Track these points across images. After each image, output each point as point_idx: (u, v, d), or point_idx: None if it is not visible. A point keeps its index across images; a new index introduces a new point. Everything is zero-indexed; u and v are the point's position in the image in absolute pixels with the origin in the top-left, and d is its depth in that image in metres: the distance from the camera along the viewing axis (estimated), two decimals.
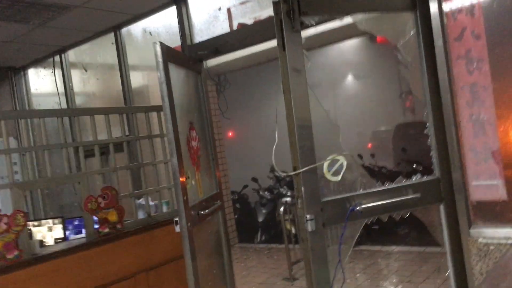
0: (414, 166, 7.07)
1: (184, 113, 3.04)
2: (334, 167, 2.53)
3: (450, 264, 2.74)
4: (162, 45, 2.82)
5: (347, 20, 3.22)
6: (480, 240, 2.60)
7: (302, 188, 2.43)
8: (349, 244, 2.64)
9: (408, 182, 2.68)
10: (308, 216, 2.40)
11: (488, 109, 2.59)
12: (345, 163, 2.54)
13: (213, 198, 3.33)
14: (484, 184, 2.64)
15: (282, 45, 2.48)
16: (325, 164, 2.51)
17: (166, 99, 2.72)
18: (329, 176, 2.52)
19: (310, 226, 2.40)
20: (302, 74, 2.49)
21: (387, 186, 2.67)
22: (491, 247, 2.56)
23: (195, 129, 3.22)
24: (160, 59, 2.79)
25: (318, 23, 2.71)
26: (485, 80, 2.58)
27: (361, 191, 2.60)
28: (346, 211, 2.49)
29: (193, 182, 3.03)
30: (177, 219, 2.75)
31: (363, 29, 2.92)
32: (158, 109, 3.80)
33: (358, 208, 2.49)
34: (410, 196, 2.62)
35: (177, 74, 3.11)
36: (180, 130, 2.79)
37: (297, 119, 2.47)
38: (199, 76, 3.55)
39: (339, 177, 2.53)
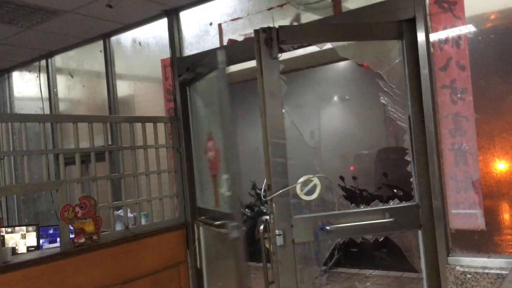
0: (394, 191, 7.13)
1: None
2: (307, 187, 2.65)
3: None
4: None
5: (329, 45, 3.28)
6: (457, 268, 2.62)
7: (273, 205, 2.56)
8: (320, 263, 2.71)
9: (384, 206, 2.74)
10: (277, 231, 2.56)
11: (470, 139, 2.63)
12: (318, 184, 2.65)
13: (225, 216, 3.21)
14: (463, 213, 2.67)
15: (260, 70, 2.61)
16: (298, 184, 2.64)
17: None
18: (302, 195, 2.64)
19: (278, 241, 2.56)
20: (277, 98, 2.62)
21: (362, 208, 2.73)
22: (468, 276, 2.58)
23: (213, 140, 3.43)
24: None
25: (297, 48, 2.81)
26: (468, 110, 2.63)
27: (334, 212, 2.70)
28: (317, 229, 2.58)
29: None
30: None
31: (344, 55, 2.99)
32: (142, 119, 3.77)
33: (328, 227, 2.56)
34: (384, 220, 2.66)
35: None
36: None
37: (270, 140, 2.61)
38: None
39: (312, 197, 2.64)
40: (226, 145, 3.16)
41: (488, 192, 2.61)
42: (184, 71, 3.88)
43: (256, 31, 2.60)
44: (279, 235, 2.55)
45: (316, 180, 2.64)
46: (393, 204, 2.77)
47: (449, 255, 2.69)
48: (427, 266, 2.72)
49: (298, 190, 2.63)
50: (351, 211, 2.70)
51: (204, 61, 3.37)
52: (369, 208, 2.71)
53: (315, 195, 2.63)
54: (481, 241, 2.64)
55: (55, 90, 5.04)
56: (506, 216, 2.62)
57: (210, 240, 3.84)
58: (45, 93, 5.13)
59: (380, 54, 2.91)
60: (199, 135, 3.87)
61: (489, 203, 2.61)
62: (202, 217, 3.65)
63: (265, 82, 2.59)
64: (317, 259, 2.63)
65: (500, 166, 2.62)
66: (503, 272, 2.48)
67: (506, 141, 2.59)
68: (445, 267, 2.66)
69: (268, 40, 2.58)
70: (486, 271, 2.54)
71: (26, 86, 5.50)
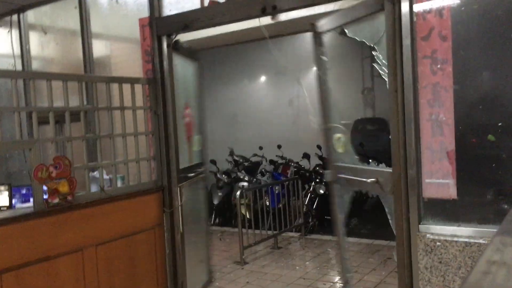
0: (370, 161, 7.23)
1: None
2: (339, 142, 3.37)
3: (397, 256, 2.83)
4: None
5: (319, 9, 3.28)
6: (428, 235, 2.69)
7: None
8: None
9: (374, 168, 3.20)
10: (327, 172, 3.47)
11: (448, 110, 2.66)
12: (345, 139, 3.38)
13: (198, 165, 4.32)
14: (437, 182, 2.73)
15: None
16: (335, 140, 3.37)
17: None
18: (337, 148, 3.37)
19: (327, 177, 3.47)
20: None
21: (360, 166, 3.30)
22: (438, 243, 2.66)
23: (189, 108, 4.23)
24: None
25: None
26: (447, 81, 2.65)
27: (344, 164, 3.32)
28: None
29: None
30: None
31: (351, 36, 3.01)
32: (120, 80, 3.68)
33: (341, 175, 3.28)
34: (368, 180, 2.94)
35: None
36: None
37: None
38: (195, 63, 4.39)
39: (342, 150, 3.37)
40: (199, 114, 4.27)
41: (461, 163, 2.67)
42: (163, 32, 3.78)
43: None
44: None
45: (343, 138, 3.37)
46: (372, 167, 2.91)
47: (421, 223, 2.76)
48: (399, 233, 2.80)
49: (336, 145, 3.36)
50: (353, 166, 3.25)
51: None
52: (364, 167, 3.28)
53: (344, 149, 3.35)
54: (452, 210, 2.71)
55: (27, 47, 4.85)
56: (477, 187, 2.69)
57: (189, 201, 4.01)
58: (17, 50, 4.94)
59: (373, 29, 2.91)
60: (178, 99, 3.90)
61: (462, 174, 2.67)
62: (182, 175, 3.89)
63: None
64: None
65: (474, 137, 2.67)
66: (471, 240, 2.57)
67: (482, 113, 2.63)
68: (416, 235, 2.73)
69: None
70: (455, 239, 2.62)
71: None
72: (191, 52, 4.36)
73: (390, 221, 2.95)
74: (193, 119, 4.38)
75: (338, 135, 3.38)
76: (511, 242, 1.02)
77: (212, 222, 7.47)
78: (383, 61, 2.83)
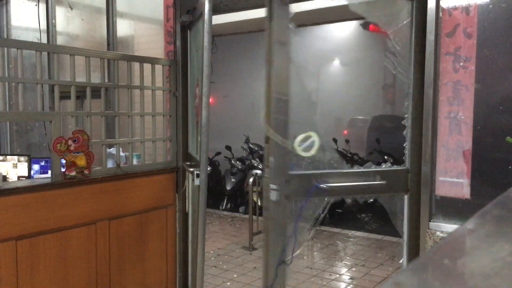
0: (385, 158, 7.20)
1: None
2: (306, 143, 2.56)
3: (405, 252, 2.83)
4: None
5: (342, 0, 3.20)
6: (437, 233, 2.69)
7: (271, 158, 2.47)
8: (310, 220, 2.70)
9: (376, 169, 2.76)
10: (272, 186, 2.44)
11: (467, 109, 2.63)
12: (317, 141, 2.56)
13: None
14: (450, 181, 2.71)
15: (269, 16, 2.46)
16: (297, 139, 2.53)
17: None
18: (298, 151, 2.54)
19: (273, 196, 2.44)
20: (286, 47, 2.47)
21: (355, 169, 2.74)
22: None
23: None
24: None
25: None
26: (469, 79, 2.62)
27: (329, 170, 2.66)
28: (311, 187, 2.54)
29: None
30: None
31: (355, 11, 2.91)
32: (141, 59, 3.72)
33: (322, 185, 2.53)
34: (376, 182, 2.68)
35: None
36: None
37: (275, 92, 2.48)
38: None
39: (310, 154, 2.55)
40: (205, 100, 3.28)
41: (477, 163, 2.64)
42: (185, 13, 3.80)
43: None
44: (274, 189, 2.44)
45: (315, 137, 2.55)
46: (385, 167, 2.81)
47: (431, 220, 2.75)
48: (409, 229, 2.80)
49: (296, 144, 2.53)
50: (345, 171, 2.69)
51: (197, 5, 3.29)
52: (362, 170, 2.71)
53: (312, 152, 2.55)
54: (464, 209, 2.70)
55: (53, 21, 4.92)
56: (491, 188, 2.67)
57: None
58: (43, 25, 5.01)
59: (390, 14, 2.85)
60: (192, 80, 3.90)
61: (477, 174, 2.65)
62: (187, 163, 3.77)
63: (275, 28, 2.43)
64: (308, 217, 2.61)
65: (492, 138, 2.64)
66: None
67: (501, 115, 2.60)
68: (426, 232, 2.73)
69: None
70: None
71: (24, 14, 5.35)
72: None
73: (392, 220, 2.93)
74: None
75: (306, 134, 2.58)
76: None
77: (223, 207, 7.53)
78: (400, 52, 2.76)
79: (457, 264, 0.61)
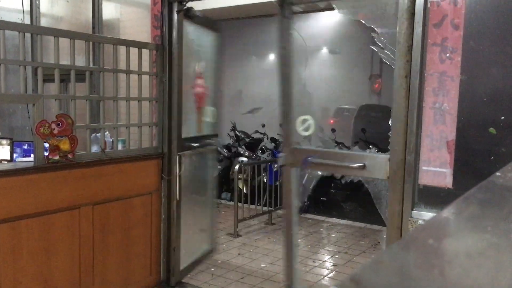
0: (370, 147, 7.26)
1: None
2: (304, 125, 3.24)
3: (386, 239, 2.87)
4: None
5: None
6: (419, 222, 2.73)
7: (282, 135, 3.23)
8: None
9: (360, 153, 3.18)
10: (281, 154, 3.37)
11: (452, 100, 2.66)
12: (312, 123, 3.23)
13: (207, 137, 4.39)
14: (433, 170, 2.75)
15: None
16: (297, 121, 3.23)
17: None
18: (299, 131, 3.24)
19: (281, 160, 3.28)
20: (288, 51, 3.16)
21: (343, 150, 2.90)
22: None
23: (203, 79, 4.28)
24: None
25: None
26: (454, 70, 2.64)
27: (321, 149, 3.26)
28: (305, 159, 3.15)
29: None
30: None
31: (341, 11, 2.96)
32: (127, 43, 3.67)
33: (311, 159, 3.07)
34: (356, 164, 2.88)
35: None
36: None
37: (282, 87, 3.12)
38: (215, 33, 4.37)
39: (308, 133, 3.26)
40: (215, 88, 4.38)
41: (460, 153, 2.68)
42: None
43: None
44: (281, 157, 3.13)
45: (311, 120, 3.22)
46: (369, 152, 2.89)
47: (413, 208, 2.79)
48: (391, 217, 2.84)
49: (298, 127, 3.22)
50: (332, 150, 3.02)
51: None
52: (347, 152, 2.95)
53: (310, 132, 3.23)
54: (446, 198, 2.74)
55: (37, 2, 4.81)
56: (473, 178, 2.71)
57: (191, 170, 4.13)
58: (27, 5, 4.90)
59: (376, 10, 2.87)
60: (188, 68, 3.89)
61: (460, 164, 2.69)
62: (185, 144, 3.92)
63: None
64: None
65: (475, 129, 2.68)
66: None
67: (485, 106, 2.63)
68: (408, 220, 2.77)
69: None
70: None
71: None
72: (209, 22, 4.28)
73: (376, 206, 3.00)
74: (206, 90, 4.36)
75: (304, 117, 3.21)
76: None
77: None
78: (385, 44, 2.80)
79: (441, 244, 0.62)
